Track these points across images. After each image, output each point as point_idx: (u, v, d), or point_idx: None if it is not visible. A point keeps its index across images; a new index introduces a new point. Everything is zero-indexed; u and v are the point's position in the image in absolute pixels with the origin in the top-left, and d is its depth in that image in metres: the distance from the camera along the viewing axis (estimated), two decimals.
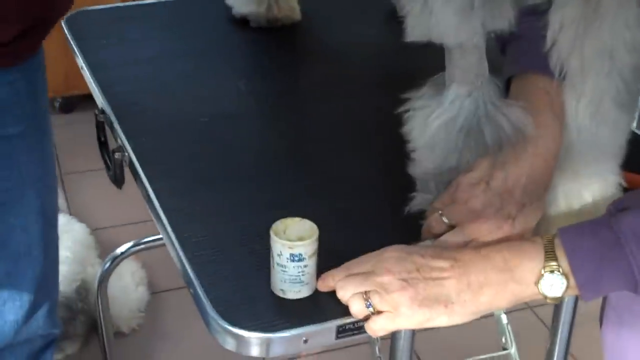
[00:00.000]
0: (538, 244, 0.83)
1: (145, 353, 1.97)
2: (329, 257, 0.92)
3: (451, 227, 0.93)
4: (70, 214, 2.36)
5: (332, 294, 0.89)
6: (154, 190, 1.08)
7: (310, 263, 0.88)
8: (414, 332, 1.00)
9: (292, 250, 0.87)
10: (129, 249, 1.76)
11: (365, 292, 0.84)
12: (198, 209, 1.05)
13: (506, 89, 0.99)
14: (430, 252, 0.85)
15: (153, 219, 1.07)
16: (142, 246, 1.74)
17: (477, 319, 0.85)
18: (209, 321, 0.89)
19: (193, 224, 1.02)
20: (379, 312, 0.84)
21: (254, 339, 0.86)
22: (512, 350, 1.22)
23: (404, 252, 0.85)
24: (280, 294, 0.90)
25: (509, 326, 1.24)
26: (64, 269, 1.89)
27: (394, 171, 1.10)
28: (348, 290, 0.85)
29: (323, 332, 0.88)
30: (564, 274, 0.81)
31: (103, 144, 1.27)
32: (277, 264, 0.88)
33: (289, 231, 0.89)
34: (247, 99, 1.32)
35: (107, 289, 1.79)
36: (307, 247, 0.87)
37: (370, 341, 1.36)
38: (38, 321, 1.28)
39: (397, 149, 1.02)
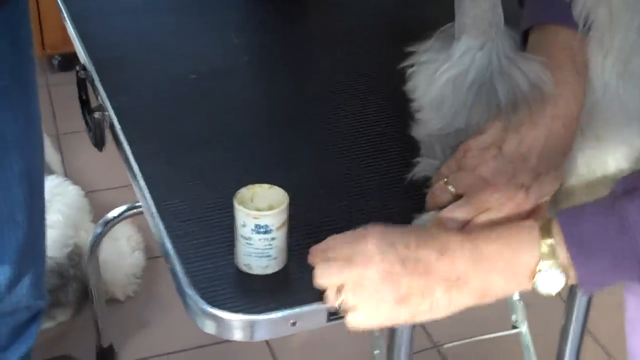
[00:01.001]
0: (534, 233, 0.73)
1: (140, 321, 1.90)
2: (316, 232, 0.82)
3: (458, 197, 0.84)
4: (66, 176, 2.27)
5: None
6: (133, 153, 0.99)
7: (279, 235, 0.79)
8: None
9: (258, 221, 0.77)
10: (123, 212, 1.68)
11: (341, 285, 0.74)
12: (180, 175, 0.96)
13: (523, 42, 0.89)
14: (415, 240, 0.75)
15: (132, 184, 0.97)
16: (137, 210, 1.65)
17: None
18: (186, 301, 0.80)
19: (173, 191, 0.93)
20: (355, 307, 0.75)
21: (236, 322, 0.78)
22: (524, 328, 1.13)
23: (386, 241, 0.74)
24: (245, 269, 0.81)
25: (520, 303, 1.15)
26: (55, 233, 1.81)
27: (395, 133, 1.00)
28: (323, 279, 0.76)
29: (313, 314, 0.79)
30: (563, 268, 0.72)
31: (85, 103, 1.18)
32: (241, 236, 0.79)
33: (257, 199, 0.80)
34: (239, 54, 1.22)
35: (99, 254, 1.71)
36: (275, 218, 0.78)
37: None
38: (22, 291, 1.20)
39: (400, 108, 0.93)
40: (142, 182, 0.94)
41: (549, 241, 0.71)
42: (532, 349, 1.12)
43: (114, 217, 1.67)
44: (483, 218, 0.81)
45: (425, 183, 0.90)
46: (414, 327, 0.94)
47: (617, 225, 0.70)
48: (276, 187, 0.80)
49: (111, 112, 1.06)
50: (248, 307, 0.78)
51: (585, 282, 0.72)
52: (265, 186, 0.80)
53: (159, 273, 2.02)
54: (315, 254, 0.78)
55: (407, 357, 0.95)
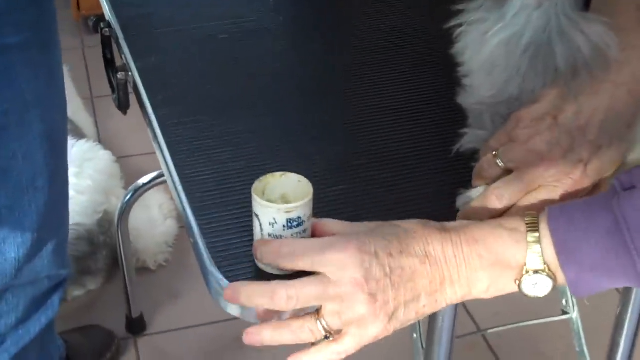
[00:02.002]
0: (520, 233, 0.67)
1: (171, 291, 1.85)
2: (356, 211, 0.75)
3: (508, 172, 0.76)
4: (99, 140, 2.23)
5: None
6: (157, 117, 0.93)
7: (309, 226, 0.71)
8: None
9: (290, 215, 0.69)
10: (153, 179, 1.62)
11: (318, 311, 0.67)
12: (205, 142, 0.89)
13: (585, 1, 0.80)
14: (397, 246, 0.67)
15: (155, 150, 0.91)
16: None
17: None
18: (209, 279, 0.74)
19: (198, 159, 0.86)
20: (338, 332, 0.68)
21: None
22: (574, 314, 1.06)
23: (367, 253, 0.66)
24: (275, 272, 0.71)
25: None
26: (84, 199, 1.77)
27: (440, 101, 0.92)
28: (293, 302, 0.66)
29: None
30: (550, 272, 0.66)
31: (109, 63, 1.11)
32: (270, 234, 0.70)
33: (268, 191, 0.72)
34: (275, 15, 1.14)
35: (131, 221, 1.66)
36: (306, 208, 0.70)
37: None
38: (43, 261, 1.14)
39: (446, 74, 0.85)
40: (165, 149, 0.88)
41: (536, 244, 0.66)
42: (583, 336, 1.04)
43: (145, 184, 1.61)
44: (535, 196, 0.74)
45: (472, 156, 0.82)
46: (456, 311, 0.86)
47: (611, 224, 0.64)
48: (289, 174, 0.72)
49: (135, 73, 0.99)
50: None
51: (575, 286, 0.66)
52: (277, 174, 0.72)
53: None
54: (271, 257, 0.69)
55: (449, 342, 0.88)
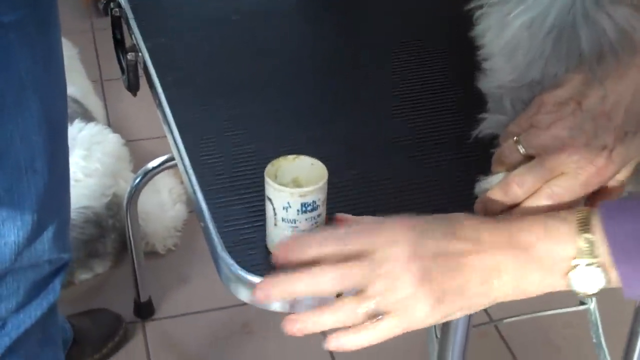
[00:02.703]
0: (571, 225, 0.64)
1: (180, 275, 1.83)
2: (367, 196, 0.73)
3: (529, 159, 0.73)
4: (109, 123, 2.21)
5: None
6: (167, 98, 0.91)
7: (323, 210, 0.69)
8: None
9: (305, 199, 0.67)
10: (163, 163, 1.60)
11: (362, 291, 0.63)
12: (216, 124, 0.87)
13: None
14: (443, 231, 0.65)
15: (165, 133, 0.89)
16: None
17: None
18: (219, 264, 0.72)
19: (209, 141, 0.84)
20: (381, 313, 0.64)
21: None
22: (592, 305, 1.03)
23: (417, 231, 0.64)
24: None
25: None
26: (93, 182, 1.75)
27: (459, 85, 0.90)
28: (336, 283, 0.63)
29: None
30: (602, 267, 0.62)
31: (119, 43, 1.09)
32: (284, 219, 0.68)
33: (281, 174, 0.69)
34: None
35: (140, 205, 1.64)
36: (321, 191, 0.68)
37: None
38: (44, 244, 1.12)
39: (466, 57, 0.82)
40: (175, 131, 0.86)
41: (588, 236, 0.62)
42: (600, 327, 1.02)
43: (154, 168, 1.59)
44: (557, 183, 0.71)
45: (491, 142, 0.80)
46: None
47: None
48: (302, 157, 0.70)
49: (145, 54, 0.97)
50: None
51: (628, 285, 0.62)
52: (290, 157, 0.70)
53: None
54: (313, 245, 0.64)
55: (465, 332, 0.86)
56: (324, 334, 0.65)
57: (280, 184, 0.68)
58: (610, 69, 0.73)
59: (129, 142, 2.02)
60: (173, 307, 1.76)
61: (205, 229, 0.74)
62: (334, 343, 0.65)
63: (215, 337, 1.70)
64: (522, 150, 0.74)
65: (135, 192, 1.60)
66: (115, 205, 1.79)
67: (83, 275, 1.78)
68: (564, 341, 1.68)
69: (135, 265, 1.66)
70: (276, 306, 0.70)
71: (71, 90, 1.98)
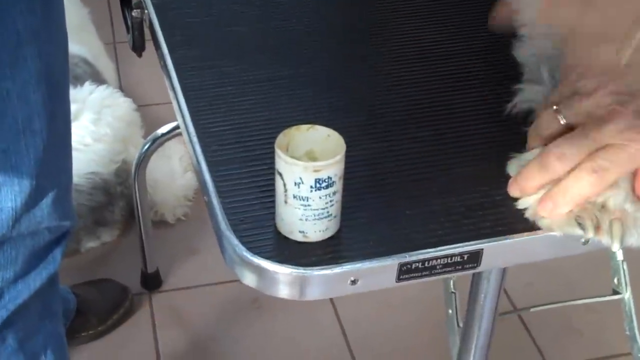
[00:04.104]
0: None
1: (189, 246, 1.77)
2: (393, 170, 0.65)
3: (570, 129, 0.65)
4: (121, 87, 2.14)
5: (389, 214, 0.63)
6: (173, 60, 0.83)
7: (340, 187, 0.62)
8: (504, 270, 0.74)
9: (319, 174, 0.60)
10: (174, 129, 1.53)
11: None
12: (225, 89, 0.79)
13: None
14: None
15: (170, 96, 0.82)
16: None
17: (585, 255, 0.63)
18: (223, 244, 0.65)
19: (217, 107, 0.77)
20: None
21: (283, 276, 0.62)
22: (627, 295, 0.96)
23: None
24: (300, 238, 0.63)
25: (624, 265, 0.96)
26: (102, 147, 1.69)
27: (492, 54, 0.82)
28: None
29: (379, 271, 0.63)
30: None
31: (125, 0, 1.01)
32: (295, 196, 0.61)
33: (293, 146, 0.62)
34: None
35: (149, 173, 1.58)
36: (337, 166, 0.61)
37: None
38: (43, 211, 1.05)
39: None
40: (180, 95, 0.79)
41: None
42: (635, 319, 0.95)
43: (164, 134, 1.53)
44: (602, 156, 0.63)
45: (527, 116, 0.72)
46: (502, 286, 0.77)
47: None
48: (317, 127, 0.63)
49: (151, 10, 0.90)
50: (298, 258, 0.62)
51: None
52: (304, 127, 0.63)
53: None
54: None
55: (491, 323, 0.79)
56: None
57: (292, 157, 0.60)
58: None
59: (141, 106, 1.95)
60: (181, 279, 1.70)
61: (209, 204, 0.67)
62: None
63: (224, 312, 1.64)
64: (563, 120, 0.66)
65: (144, 158, 1.53)
66: (124, 172, 1.73)
67: (89, 244, 1.72)
68: (587, 326, 1.60)
69: (143, 235, 1.60)
70: (284, 293, 0.63)
71: (82, 50, 1.92)
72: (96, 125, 1.70)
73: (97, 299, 1.60)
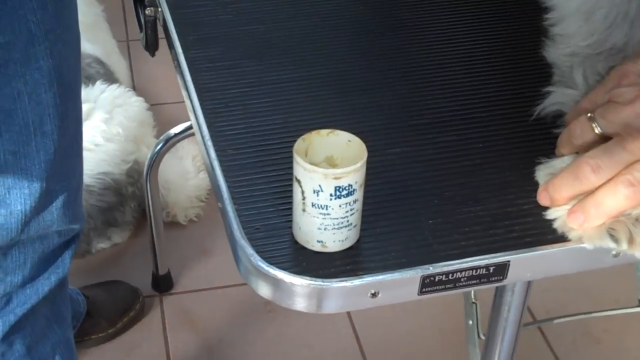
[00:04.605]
0: None
1: (202, 248, 1.74)
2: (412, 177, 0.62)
3: (605, 139, 0.62)
4: (134, 86, 2.11)
5: (411, 223, 0.60)
6: (187, 59, 0.81)
7: (360, 195, 0.59)
8: (529, 285, 0.71)
9: (339, 182, 0.57)
10: (187, 129, 1.51)
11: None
12: (241, 90, 0.76)
13: None
14: None
15: (183, 96, 0.79)
16: None
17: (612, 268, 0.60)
18: (237, 254, 0.62)
19: (232, 109, 0.74)
20: None
21: (300, 288, 0.59)
22: None
23: None
24: (318, 248, 0.60)
25: None
26: (113, 147, 1.66)
27: (521, 53, 0.79)
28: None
29: (401, 284, 0.60)
30: None
31: None
32: (314, 204, 0.58)
33: (312, 152, 0.59)
34: None
35: (162, 173, 1.55)
36: (358, 174, 0.58)
37: None
38: (53, 214, 1.03)
39: (531, 21, 0.71)
40: (194, 96, 0.76)
41: None
42: None
43: (177, 134, 1.50)
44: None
45: (556, 120, 0.69)
46: (527, 299, 0.74)
47: None
48: (338, 132, 0.60)
49: (165, 9, 0.87)
50: (316, 269, 0.59)
51: None
52: (323, 132, 0.60)
53: None
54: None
55: (514, 335, 0.76)
56: None
57: (312, 163, 0.57)
58: None
59: (154, 105, 1.93)
60: (193, 282, 1.68)
61: (223, 211, 0.64)
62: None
63: (236, 315, 1.62)
64: (597, 129, 0.62)
65: (157, 158, 1.50)
66: (136, 172, 1.70)
67: (100, 245, 1.70)
68: (605, 335, 1.57)
69: (155, 236, 1.57)
70: (301, 306, 0.60)
71: (94, 49, 1.90)
72: (107, 124, 1.68)
73: (107, 300, 1.58)
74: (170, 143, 1.51)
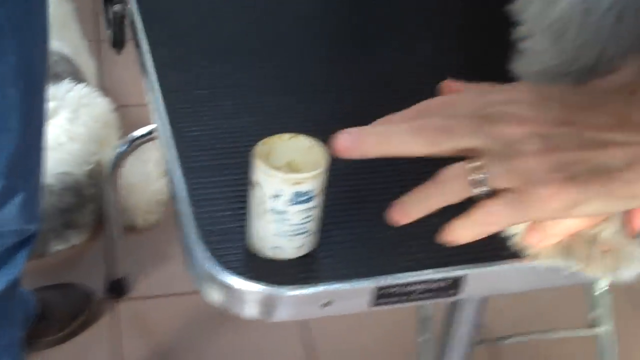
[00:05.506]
0: None
1: (160, 254, 1.72)
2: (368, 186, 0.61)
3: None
4: (102, 86, 2.09)
5: (369, 234, 0.59)
6: (154, 58, 0.79)
7: (319, 201, 0.58)
8: (482, 302, 0.71)
9: (299, 187, 0.56)
10: (151, 132, 1.49)
11: (472, 152, 0.51)
12: (207, 92, 0.75)
13: None
14: (589, 101, 0.53)
15: (146, 95, 0.78)
16: None
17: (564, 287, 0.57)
18: (190, 256, 0.61)
19: (197, 110, 0.73)
20: (495, 192, 0.51)
21: (251, 294, 0.58)
22: (603, 329, 0.92)
23: (542, 95, 0.52)
24: (271, 254, 0.59)
25: (607, 297, 0.91)
26: (76, 147, 1.64)
27: (487, 68, 0.78)
28: (439, 144, 0.50)
29: (354, 294, 0.59)
30: None
31: None
32: (272, 210, 0.57)
33: (274, 156, 0.58)
34: None
35: (123, 176, 1.53)
36: (318, 180, 0.57)
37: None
38: (11, 212, 1.01)
39: (499, 36, 0.71)
40: (158, 96, 0.75)
41: None
42: (615, 355, 0.91)
43: (141, 136, 1.48)
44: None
45: None
46: (480, 316, 0.73)
47: None
48: (300, 136, 0.59)
49: (134, 5, 0.86)
50: (268, 276, 0.58)
51: None
52: (286, 136, 0.59)
53: None
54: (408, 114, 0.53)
55: (464, 354, 0.75)
56: None
57: (274, 167, 0.56)
58: None
59: (122, 107, 1.91)
60: (150, 287, 1.65)
61: (179, 213, 0.63)
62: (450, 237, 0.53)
63: (191, 322, 1.60)
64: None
65: (119, 161, 1.48)
66: (97, 173, 1.68)
67: (57, 246, 1.67)
68: (557, 358, 1.57)
69: (111, 240, 1.55)
70: (250, 312, 0.59)
71: (63, 47, 1.87)
72: (72, 124, 1.66)
73: (60, 303, 1.55)
74: (133, 145, 1.49)
